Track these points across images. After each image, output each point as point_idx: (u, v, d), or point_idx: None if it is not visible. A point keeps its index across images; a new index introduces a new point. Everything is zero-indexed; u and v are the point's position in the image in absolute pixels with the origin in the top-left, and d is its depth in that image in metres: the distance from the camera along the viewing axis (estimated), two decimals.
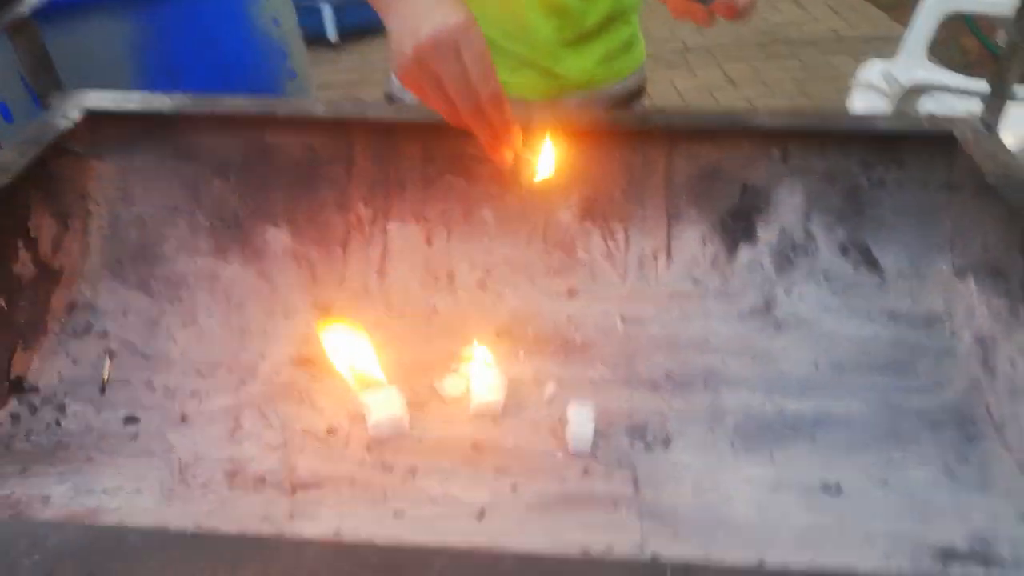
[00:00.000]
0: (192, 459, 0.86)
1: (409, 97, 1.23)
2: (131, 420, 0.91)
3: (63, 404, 0.93)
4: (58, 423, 0.91)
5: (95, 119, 1.08)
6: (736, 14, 0.90)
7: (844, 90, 2.71)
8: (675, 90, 3.48)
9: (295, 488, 0.82)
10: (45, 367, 0.97)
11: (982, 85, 2.28)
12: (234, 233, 1.09)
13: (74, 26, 1.41)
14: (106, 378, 0.96)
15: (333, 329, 0.90)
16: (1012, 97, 1.02)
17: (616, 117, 1.07)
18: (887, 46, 3.27)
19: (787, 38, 3.92)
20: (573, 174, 1.04)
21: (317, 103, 1.10)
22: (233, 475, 0.84)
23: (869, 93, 2.40)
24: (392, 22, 0.77)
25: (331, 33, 3.82)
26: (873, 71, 2.44)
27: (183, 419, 0.91)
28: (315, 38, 3.54)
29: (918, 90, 2.16)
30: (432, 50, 0.74)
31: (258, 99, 1.10)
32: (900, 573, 0.64)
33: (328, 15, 3.78)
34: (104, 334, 1.01)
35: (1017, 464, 0.82)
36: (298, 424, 0.90)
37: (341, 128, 1.08)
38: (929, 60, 2.53)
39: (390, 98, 1.27)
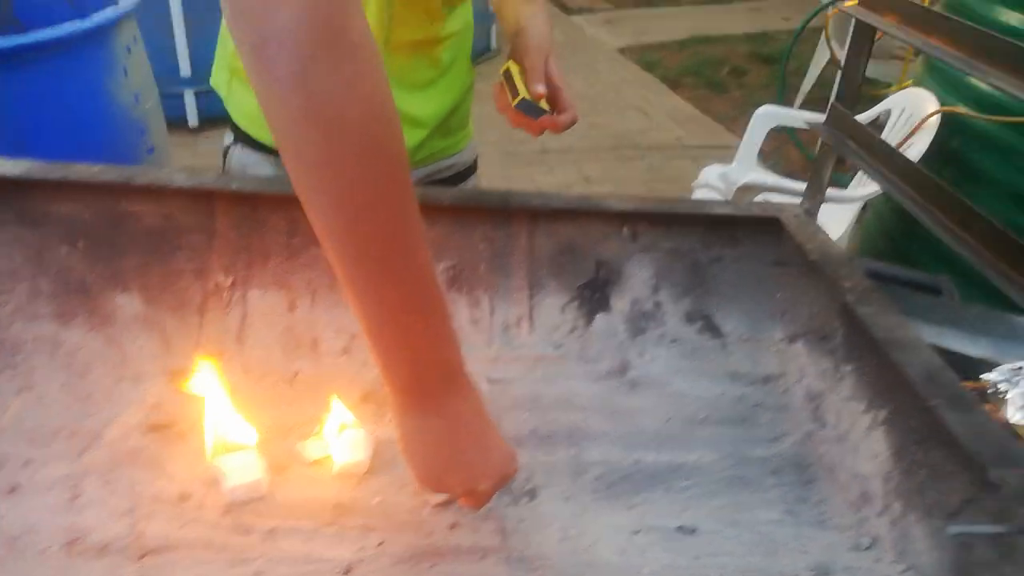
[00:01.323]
0: (23, 530, 0.79)
1: (236, 162, 1.23)
2: None
3: None
4: None
5: None
6: (560, 129, 1.08)
7: (686, 190, 2.96)
8: (535, 185, 3.67)
9: (144, 554, 0.76)
10: None
11: (797, 186, 2.57)
12: (80, 299, 1.03)
13: None
14: None
15: (200, 386, 0.87)
16: (824, 191, 1.17)
17: (481, 195, 1.13)
18: (724, 153, 3.62)
19: (636, 144, 4.25)
20: (440, 246, 1.08)
21: (178, 172, 1.09)
22: (72, 544, 0.77)
23: (708, 192, 2.64)
24: (464, 449, 0.76)
25: (192, 117, 3.78)
26: (712, 173, 2.70)
27: (12, 490, 0.83)
28: (175, 121, 3.47)
29: (749, 190, 2.40)
30: (495, 490, 0.78)
31: (114, 168, 1.07)
32: None
33: (190, 100, 3.75)
34: None
35: (847, 503, 0.89)
36: (148, 489, 0.85)
37: (203, 198, 1.07)
38: (759, 165, 2.83)
39: (229, 172, 1.26)
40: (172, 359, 1.01)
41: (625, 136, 4.35)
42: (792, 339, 1.08)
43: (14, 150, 1.12)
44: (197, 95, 3.78)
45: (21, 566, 0.74)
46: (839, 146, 1.10)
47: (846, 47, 1.13)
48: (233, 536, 0.80)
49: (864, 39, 1.10)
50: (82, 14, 1.63)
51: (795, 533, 0.87)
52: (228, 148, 1.25)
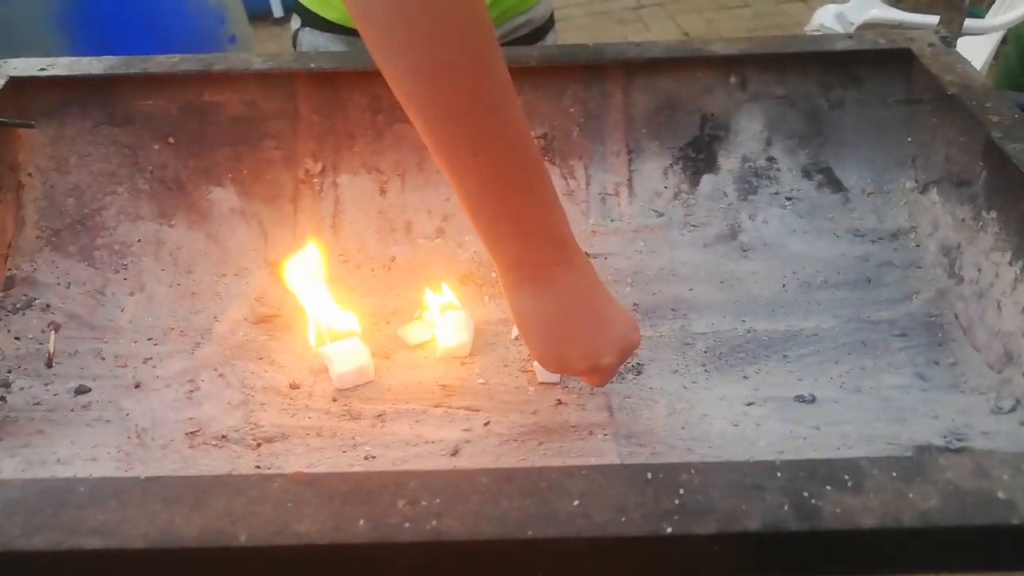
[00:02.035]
0: (149, 423, 0.82)
1: (307, 44, 1.18)
2: (82, 391, 0.87)
3: (7, 380, 0.88)
4: (3, 399, 0.86)
5: (21, 86, 1.02)
6: None
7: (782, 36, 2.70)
8: None
9: (260, 442, 0.79)
10: None
11: (933, 20, 2.29)
12: (177, 196, 1.04)
13: None
14: (52, 351, 0.91)
15: (298, 267, 0.87)
16: (965, 12, 1.02)
17: (569, 51, 1.04)
18: None
19: None
20: (528, 112, 1.01)
21: (255, 57, 1.06)
22: (193, 435, 0.80)
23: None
24: (583, 322, 0.70)
25: (276, 7, 3.72)
26: (826, 15, 2.44)
27: (137, 386, 0.87)
28: (259, 13, 3.44)
29: (871, 29, 2.17)
30: (620, 362, 0.72)
31: (193, 56, 1.05)
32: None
33: None
34: (46, 308, 0.96)
35: (986, 363, 0.81)
36: (258, 382, 0.87)
37: (283, 81, 1.03)
38: (881, 1, 2.54)
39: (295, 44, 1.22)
40: (270, 251, 1.01)
41: None
42: (924, 188, 0.98)
43: (99, 49, 1.12)
44: None
45: (150, 457, 0.78)
46: None
47: None
48: (343, 422, 0.81)
49: None
50: None
51: (925, 398, 0.81)
52: (296, 32, 1.21)
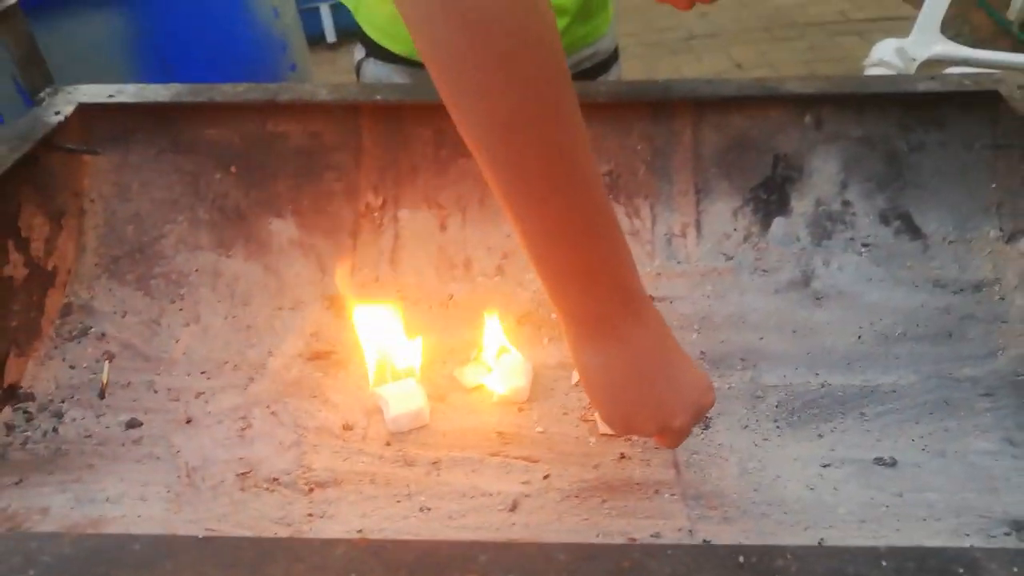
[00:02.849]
0: (200, 462, 0.81)
1: (370, 76, 1.17)
2: (133, 424, 0.86)
3: (60, 411, 0.87)
4: (55, 430, 0.85)
5: (88, 113, 1.03)
6: None
7: (854, 71, 2.65)
8: (682, 76, 3.43)
9: (312, 487, 0.76)
10: (40, 373, 0.91)
11: (1004, 57, 2.22)
12: (237, 226, 1.03)
13: (63, 19, 1.35)
14: (105, 382, 0.91)
15: (366, 311, 0.85)
16: None
17: (638, 87, 1.01)
18: (896, 27, 3.21)
19: (793, 21, 3.85)
20: (593, 149, 0.99)
21: (320, 88, 1.05)
22: (245, 476, 0.78)
23: (883, 71, 2.34)
24: (653, 382, 0.65)
25: (329, 33, 3.77)
26: (886, 49, 2.38)
27: (188, 421, 0.86)
28: (313, 38, 3.49)
29: (935, 66, 2.10)
30: (692, 424, 0.68)
31: (258, 86, 1.05)
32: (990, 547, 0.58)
33: (326, 15, 3.73)
34: (102, 336, 0.95)
35: None
36: (312, 421, 0.85)
37: (347, 113, 1.02)
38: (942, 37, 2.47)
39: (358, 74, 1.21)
40: (328, 285, 1.00)
41: (780, 13, 3.95)
42: (1011, 237, 0.93)
43: (162, 75, 1.12)
44: (333, 8, 3.75)
45: (200, 499, 0.76)
46: None
47: None
48: (397, 468, 0.78)
49: None
50: None
51: (1017, 466, 0.75)
52: (360, 63, 1.19)
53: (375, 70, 1.16)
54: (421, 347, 0.88)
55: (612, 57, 1.24)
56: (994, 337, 0.88)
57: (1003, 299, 0.91)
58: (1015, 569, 0.44)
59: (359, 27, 1.18)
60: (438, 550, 0.47)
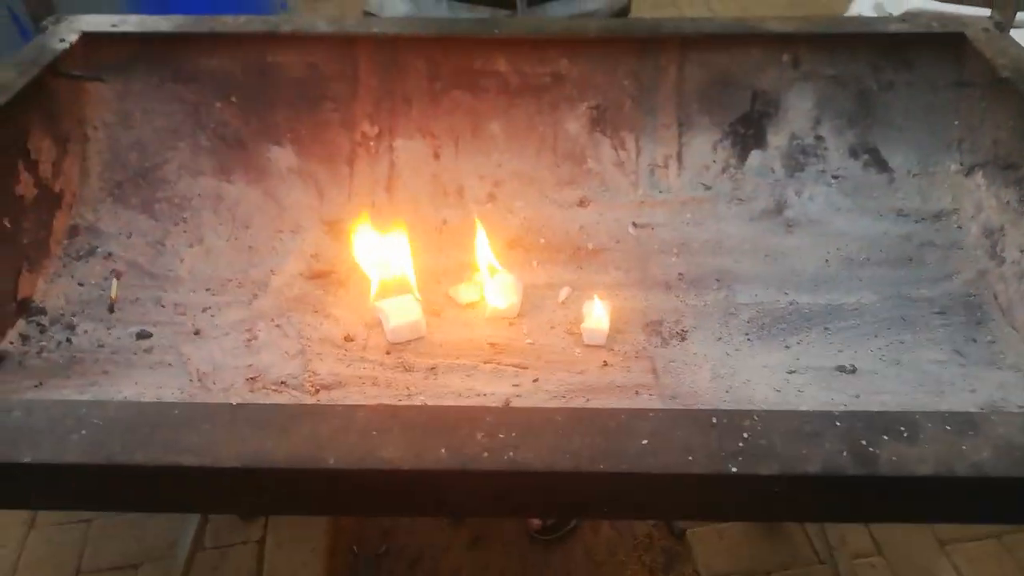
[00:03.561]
0: (210, 368, 0.86)
1: (390, 12, 1.21)
2: (144, 335, 0.90)
3: (72, 323, 0.92)
4: (69, 340, 0.90)
5: (92, 42, 1.05)
6: None
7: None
8: None
9: (318, 388, 0.82)
10: (51, 289, 0.95)
11: (974, 11, 2.27)
12: (237, 153, 1.07)
13: None
14: (114, 297, 0.95)
15: (366, 233, 0.90)
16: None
17: (626, 24, 1.06)
18: None
19: None
20: (582, 84, 1.04)
21: (319, 20, 1.08)
22: (253, 380, 0.84)
23: None
24: None
25: None
26: (865, 3, 2.43)
27: (197, 333, 0.91)
28: None
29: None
30: None
31: (258, 17, 1.08)
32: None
33: None
34: (109, 256, 0.99)
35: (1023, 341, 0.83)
36: (315, 333, 0.90)
37: (345, 44, 1.06)
38: None
39: (367, 15, 1.25)
40: (326, 210, 1.04)
41: None
42: (970, 170, 0.99)
43: (159, 11, 1.14)
44: None
45: (213, 399, 0.81)
46: None
47: None
48: (398, 373, 0.84)
49: None
50: None
51: (963, 373, 0.83)
52: None
53: None
54: (412, 265, 0.93)
55: (621, 14, 1.28)
56: (950, 262, 0.95)
57: (960, 228, 0.98)
58: (947, 427, 0.51)
59: None
60: (448, 413, 0.53)
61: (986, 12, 1.05)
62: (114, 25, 1.05)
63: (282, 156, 1.06)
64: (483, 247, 0.93)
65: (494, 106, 1.06)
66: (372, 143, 1.07)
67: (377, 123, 1.07)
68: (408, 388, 0.82)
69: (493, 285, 0.92)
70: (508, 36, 1.02)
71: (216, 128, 1.07)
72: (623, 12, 1.30)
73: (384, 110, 1.07)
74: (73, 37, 1.04)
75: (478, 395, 0.81)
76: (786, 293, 0.93)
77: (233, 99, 1.07)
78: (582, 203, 1.04)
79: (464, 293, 0.94)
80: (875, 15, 2.35)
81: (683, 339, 0.88)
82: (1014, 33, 1.05)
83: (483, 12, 1.19)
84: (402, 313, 0.88)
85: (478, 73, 1.05)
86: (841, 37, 1.01)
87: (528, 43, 1.02)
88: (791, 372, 0.83)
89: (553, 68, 1.04)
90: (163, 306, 0.94)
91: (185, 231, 1.03)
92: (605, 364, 0.85)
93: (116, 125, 1.07)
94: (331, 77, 1.06)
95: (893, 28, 1.01)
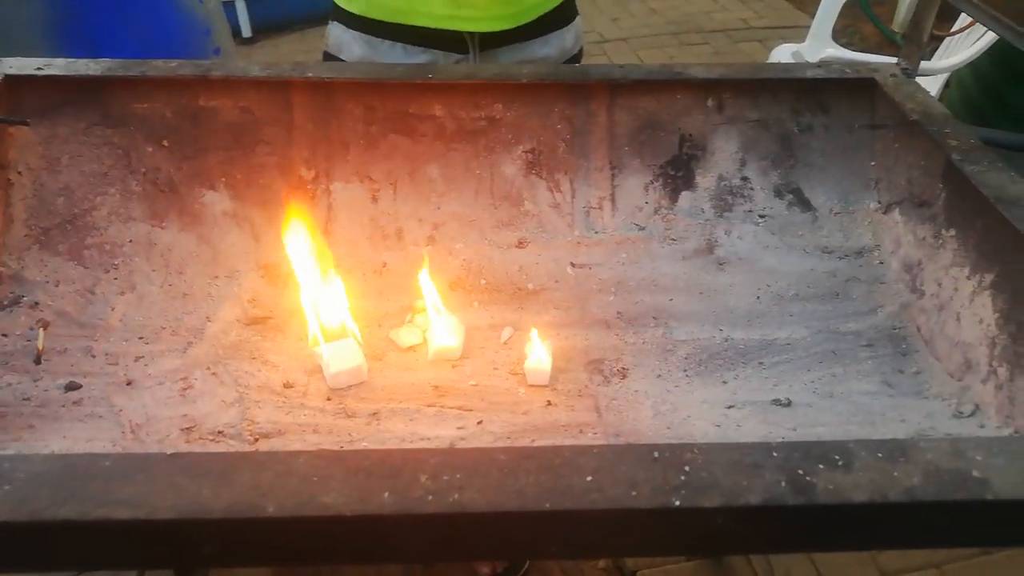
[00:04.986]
0: (144, 419, 0.83)
1: (347, 55, 1.23)
2: (73, 387, 0.87)
3: None
4: None
5: (16, 85, 1.03)
6: None
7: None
8: None
9: (257, 437, 0.80)
10: None
11: (885, 60, 2.41)
12: (170, 198, 1.05)
13: None
14: (41, 348, 0.91)
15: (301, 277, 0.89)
16: (923, 47, 1.09)
17: (557, 70, 1.09)
18: (793, 34, 3.42)
19: (699, 27, 4.05)
20: (517, 128, 1.06)
21: (252, 65, 1.08)
22: (189, 431, 0.81)
23: None
24: None
25: (244, 27, 3.75)
26: (783, 53, 2.56)
27: (129, 383, 0.88)
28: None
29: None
30: None
31: (190, 62, 1.07)
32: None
33: (241, 9, 3.71)
34: (35, 305, 0.96)
35: (947, 372, 0.87)
36: (253, 380, 0.88)
37: (278, 89, 1.06)
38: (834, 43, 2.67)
39: (328, 56, 1.26)
40: (263, 254, 1.03)
41: (688, 20, 4.15)
42: (887, 208, 1.04)
43: (88, 55, 1.13)
44: (249, 3, 3.73)
45: (146, 452, 0.78)
46: None
47: None
48: (339, 420, 0.83)
49: None
50: None
51: (893, 403, 0.86)
52: (328, 28, 1.27)
53: (337, 33, 1.25)
54: (352, 308, 0.93)
55: (573, 61, 1.32)
56: (874, 296, 0.99)
57: (882, 263, 1.02)
58: (880, 455, 0.53)
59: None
60: (392, 456, 0.52)
61: (893, 60, 1.12)
62: (39, 68, 1.03)
63: (216, 200, 1.05)
64: (428, 288, 0.93)
65: (431, 150, 1.07)
66: (309, 186, 1.06)
67: (314, 167, 1.07)
68: (350, 434, 0.81)
69: (435, 327, 0.92)
70: (443, 81, 1.04)
71: (147, 173, 1.05)
72: (577, 56, 1.33)
73: (320, 154, 1.07)
74: None
75: (422, 439, 0.80)
76: (721, 329, 0.95)
77: (165, 143, 1.05)
78: (520, 244, 1.05)
79: (406, 336, 0.94)
80: (794, 63, 2.47)
81: (624, 377, 0.89)
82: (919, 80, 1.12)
83: (437, 55, 1.20)
84: (343, 358, 0.87)
85: (414, 118, 1.06)
86: (762, 82, 1.06)
87: (463, 88, 1.04)
88: (729, 407, 0.85)
89: (488, 112, 1.05)
90: (93, 356, 0.91)
91: (116, 278, 1.00)
92: (549, 404, 0.85)
93: (42, 170, 1.04)
94: (265, 121, 1.06)
95: (810, 74, 1.07)
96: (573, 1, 1.30)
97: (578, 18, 1.31)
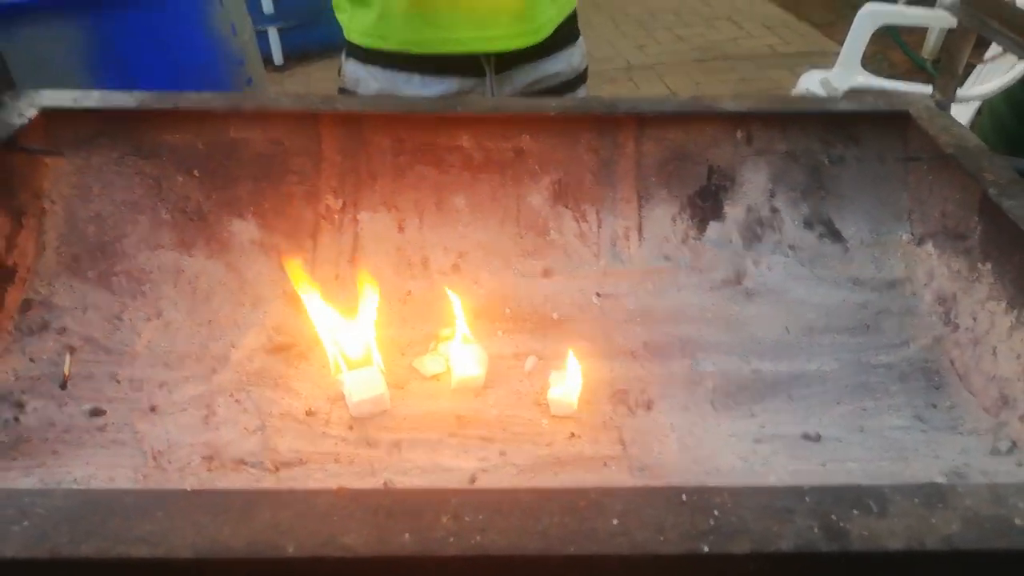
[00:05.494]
0: (165, 446, 0.83)
1: (364, 89, 1.24)
2: (97, 412, 0.87)
3: (21, 401, 0.88)
4: (17, 419, 0.86)
5: (52, 117, 1.05)
6: None
7: (783, 98, 2.80)
8: None
9: (278, 467, 0.80)
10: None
11: (916, 88, 2.39)
12: (198, 226, 1.06)
13: (25, 28, 1.36)
14: (67, 373, 0.92)
15: (317, 303, 0.89)
16: (958, 79, 1.07)
17: (584, 103, 1.09)
18: (820, 60, 3.40)
19: (725, 54, 4.05)
20: (544, 159, 1.05)
21: (282, 97, 1.09)
22: (210, 459, 0.81)
23: None
24: None
25: (276, 55, 3.82)
26: (811, 79, 2.54)
27: (152, 409, 0.88)
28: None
29: (856, 95, 2.25)
30: None
31: (222, 94, 1.09)
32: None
33: (274, 39, 3.79)
34: (63, 330, 0.97)
35: (982, 407, 0.85)
36: (275, 408, 0.88)
37: (308, 121, 1.07)
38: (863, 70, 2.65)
39: (343, 92, 1.27)
40: (289, 283, 1.03)
41: (714, 47, 4.15)
42: (921, 240, 1.02)
43: (122, 88, 1.14)
44: (281, 32, 3.80)
45: (168, 480, 0.78)
46: (979, 26, 1.00)
47: None
48: (361, 449, 0.82)
49: None
50: None
51: (926, 439, 0.84)
52: (342, 64, 1.29)
53: (354, 69, 1.26)
54: (376, 337, 0.92)
55: (580, 79, 1.33)
56: (906, 329, 0.97)
57: (914, 295, 1.00)
58: (916, 500, 0.51)
59: (345, 37, 1.27)
60: (413, 496, 0.52)
61: (926, 88, 1.10)
62: (75, 100, 1.05)
63: (244, 229, 1.06)
64: (458, 317, 0.93)
65: (458, 180, 1.07)
66: (336, 216, 1.07)
67: (341, 196, 1.07)
68: (372, 464, 0.80)
69: (459, 356, 0.91)
70: (470, 113, 1.04)
71: (177, 202, 1.06)
72: (583, 75, 1.35)
73: (348, 184, 1.07)
74: (32, 112, 1.03)
75: (444, 470, 0.80)
76: (749, 361, 0.93)
77: (195, 173, 1.06)
78: (546, 274, 1.05)
79: (429, 365, 0.93)
80: (823, 91, 2.45)
81: (649, 408, 0.88)
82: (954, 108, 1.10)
83: (453, 82, 1.22)
84: (365, 387, 0.87)
85: (442, 148, 1.06)
86: (792, 115, 1.05)
87: (490, 120, 1.04)
88: (757, 441, 0.83)
89: (515, 143, 1.05)
90: (118, 382, 0.92)
91: (143, 305, 1.00)
92: (572, 435, 0.84)
93: (74, 198, 1.05)
94: (295, 152, 1.07)
95: (842, 107, 1.05)
96: (576, 20, 1.33)
97: (581, 38, 1.35)
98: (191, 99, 1.05)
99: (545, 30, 1.23)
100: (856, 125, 1.06)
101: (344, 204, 1.07)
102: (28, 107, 1.04)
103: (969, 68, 2.48)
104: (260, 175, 1.07)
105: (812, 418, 0.86)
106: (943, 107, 1.06)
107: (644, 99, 1.06)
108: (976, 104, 2.45)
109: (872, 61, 3.49)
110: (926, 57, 3.66)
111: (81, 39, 1.50)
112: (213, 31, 1.69)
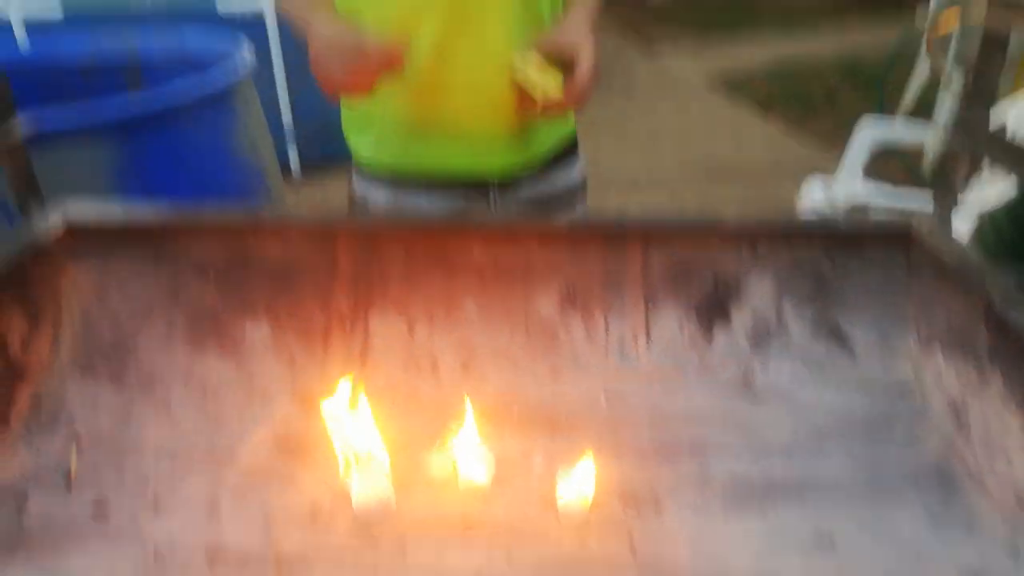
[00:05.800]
0: (168, 544, 0.82)
1: (373, 202, 1.29)
2: (100, 506, 0.87)
3: (24, 495, 0.88)
4: (19, 513, 0.86)
5: (75, 228, 1.08)
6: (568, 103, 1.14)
7: (787, 210, 2.87)
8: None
9: (281, 566, 0.78)
10: (5, 460, 0.93)
11: (918, 197, 2.45)
12: (211, 327, 1.08)
13: (58, 150, 1.43)
14: (72, 467, 0.92)
15: (331, 403, 0.89)
16: (956, 198, 1.11)
17: (593, 221, 1.13)
18: (824, 165, 3.51)
19: (730, 167, 4.18)
20: (553, 269, 1.08)
21: (300, 210, 1.14)
22: (214, 557, 0.80)
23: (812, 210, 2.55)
24: None
25: (295, 166, 3.97)
26: (815, 188, 2.60)
27: (156, 505, 0.87)
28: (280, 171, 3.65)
29: (858, 209, 2.31)
30: None
31: (242, 208, 1.13)
32: None
33: (292, 152, 3.94)
34: (71, 426, 0.98)
35: (998, 510, 0.83)
36: (280, 505, 0.87)
37: (325, 234, 1.10)
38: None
39: (353, 201, 1.34)
40: (298, 381, 1.04)
41: (718, 161, 4.30)
42: (928, 345, 1.02)
43: (146, 196, 1.19)
44: (299, 145, 3.96)
45: None
46: (973, 149, 1.04)
47: (950, 57, 1.08)
48: (365, 548, 0.81)
49: (994, 47, 1.05)
50: (201, 69, 1.74)
51: (942, 541, 0.82)
52: (351, 177, 1.36)
53: (361, 184, 1.33)
54: (383, 436, 0.92)
55: (582, 189, 1.38)
56: (917, 431, 0.96)
57: (923, 398, 1.00)
58: None
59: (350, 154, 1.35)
60: None
61: (926, 194, 1.13)
62: (99, 212, 1.09)
63: (256, 329, 1.08)
64: (468, 417, 0.93)
65: (468, 287, 1.10)
66: (347, 319, 1.09)
67: (353, 301, 1.09)
68: (375, 566, 0.79)
69: (466, 456, 0.91)
70: (483, 227, 1.10)
71: (191, 304, 1.08)
72: (584, 186, 1.42)
73: (361, 290, 1.10)
74: (57, 222, 1.07)
75: (449, 571, 0.78)
76: (759, 463, 0.93)
77: (212, 279, 1.09)
78: (554, 374, 1.05)
79: (436, 464, 0.93)
80: (825, 201, 2.51)
81: (659, 510, 0.86)
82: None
83: (457, 198, 1.27)
84: (371, 486, 0.86)
85: (454, 259, 1.10)
86: (796, 231, 1.08)
87: (501, 232, 1.09)
88: (770, 544, 0.82)
89: (525, 255, 1.09)
90: (123, 475, 0.92)
91: (152, 402, 1.01)
92: (581, 538, 0.82)
93: (92, 301, 1.08)
94: (310, 262, 1.10)
95: (843, 226, 1.09)
96: (576, 139, 1.40)
97: (582, 154, 1.42)
98: (211, 212, 1.10)
99: (543, 157, 1.31)
100: (859, 241, 1.08)
101: (355, 308, 1.09)
102: (54, 217, 1.08)
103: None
104: (275, 282, 1.10)
105: (825, 521, 0.85)
106: (944, 223, 1.08)
107: (650, 218, 1.10)
108: (976, 212, 2.50)
109: (873, 166, 3.58)
110: (927, 164, 3.74)
111: (109, 158, 1.57)
112: (235, 149, 1.76)
